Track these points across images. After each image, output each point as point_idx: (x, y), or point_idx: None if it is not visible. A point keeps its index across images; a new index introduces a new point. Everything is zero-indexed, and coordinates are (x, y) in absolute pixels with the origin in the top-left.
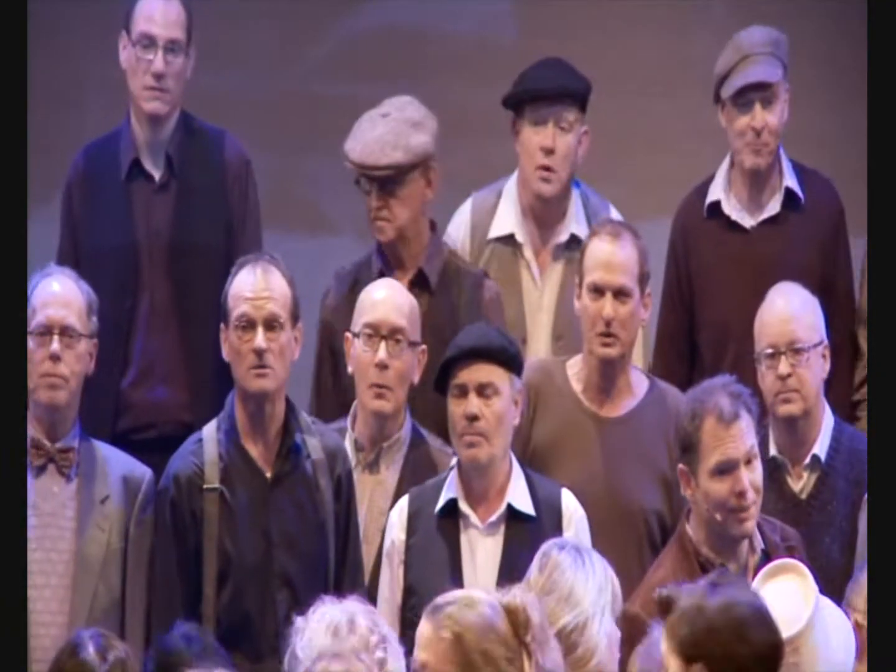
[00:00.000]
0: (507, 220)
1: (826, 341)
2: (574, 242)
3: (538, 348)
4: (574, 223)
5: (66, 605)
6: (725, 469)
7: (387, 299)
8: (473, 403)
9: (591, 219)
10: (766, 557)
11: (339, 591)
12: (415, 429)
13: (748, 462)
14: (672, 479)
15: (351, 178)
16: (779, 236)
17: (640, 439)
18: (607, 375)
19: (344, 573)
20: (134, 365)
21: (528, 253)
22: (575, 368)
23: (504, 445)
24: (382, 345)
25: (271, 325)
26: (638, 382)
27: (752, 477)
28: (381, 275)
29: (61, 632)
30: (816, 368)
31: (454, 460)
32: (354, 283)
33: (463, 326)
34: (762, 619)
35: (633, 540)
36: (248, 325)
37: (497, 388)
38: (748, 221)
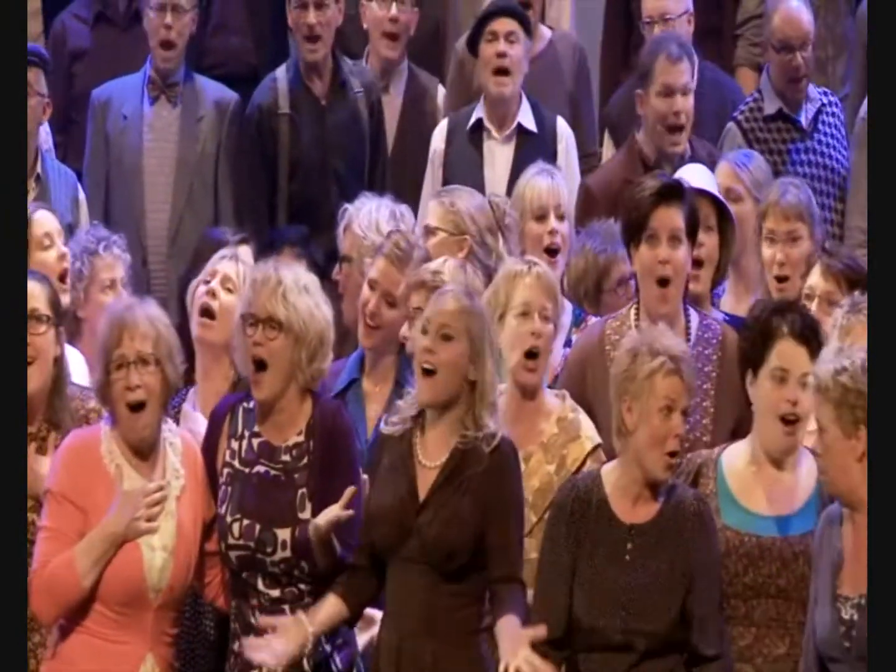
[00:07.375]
0: None
1: None
2: None
3: None
4: None
5: (170, 196)
6: (668, 93)
7: None
8: (503, 46)
9: None
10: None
11: (373, 187)
12: (409, 65)
13: (684, 93)
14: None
15: None
16: None
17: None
18: None
19: (375, 173)
20: (214, 18)
21: None
22: None
23: (519, 81)
24: (394, 4)
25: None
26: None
27: (686, 105)
28: None
29: (166, 216)
30: None
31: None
32: None
33: None
34: None
35: None
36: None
37: (519, 37)
38: None
